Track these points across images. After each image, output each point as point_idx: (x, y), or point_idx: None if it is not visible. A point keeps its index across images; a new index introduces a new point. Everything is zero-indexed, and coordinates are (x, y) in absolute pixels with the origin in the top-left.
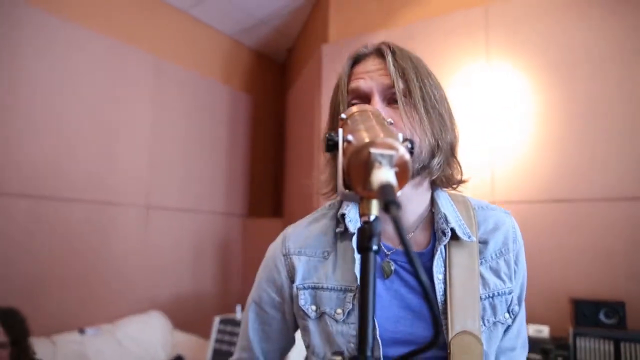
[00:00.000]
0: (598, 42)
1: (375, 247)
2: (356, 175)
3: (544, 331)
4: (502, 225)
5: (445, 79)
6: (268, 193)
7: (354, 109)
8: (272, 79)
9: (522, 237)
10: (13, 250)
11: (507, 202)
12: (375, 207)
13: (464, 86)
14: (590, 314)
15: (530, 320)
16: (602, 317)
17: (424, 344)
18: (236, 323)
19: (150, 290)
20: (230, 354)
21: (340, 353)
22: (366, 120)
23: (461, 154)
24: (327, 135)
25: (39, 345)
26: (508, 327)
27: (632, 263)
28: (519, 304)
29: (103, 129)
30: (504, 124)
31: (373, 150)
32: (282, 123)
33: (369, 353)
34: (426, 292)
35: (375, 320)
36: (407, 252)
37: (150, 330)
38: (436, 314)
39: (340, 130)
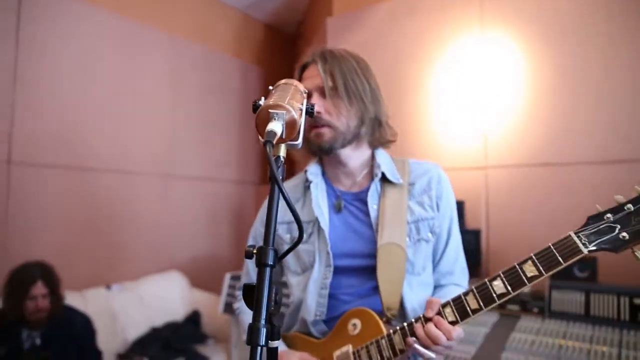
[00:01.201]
0: (587, 9)
1: (280, 177)
2: (263, 128)
3: None
4: (428, 172)
5: (441, 48)
6: None
7: (282, 81)
8: (283, 52)
9: (510, 200)
10: (47, 215)
11: (500, 167)
12: (282, 150)
13: (458, 55)
14: (565, 268)
15: None
16: (576, 271)
17: (362, 254)
18: None
19: (170, 252)
20: None
21: (252, 246)
22: (284, 90)
23: (455, 121)
24: (254, 101)
25: (71, 298)
26: (443, 252)
27: None
28: (449, 234)
29: (125, 103)
30: (496, 92)
31: (270, 109)
32: None
33: (269, 245)
34: (292, 210)
35: (329, 240)
36: (274, 178)
37: (170, 288)
38: (298, 219)
39: (263, 98)
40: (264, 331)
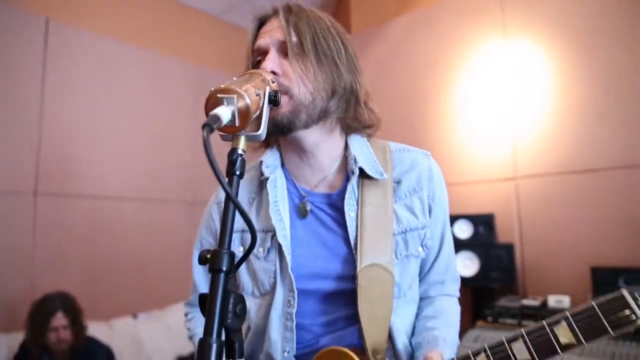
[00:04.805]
0: (612, 8)
1: (238, 173)
2: None
3: (564, 301)
4: (417, 165)
5: (463, 57)
6: None
7: (251, 71)
8: None
9: (544, 211)
10: (75, 244)
11: (531, 176)
12: (242, 142)
13: (482, 63)
14: (609, 281)
15: (551, 291)
16: (621, 284)
17: (336, 276)
18: None
19: None
20: None
21: (208, 250)
22: (247, 77)
23: (482, 131)
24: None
25: (97, 328)
26: (434, 262)
27: None
28: (442, 241)
29: (149, 132)
30: (523, 98)
31: (219, 94)
32: None
33: (225, 248)
34: (243, 216)
35: (290, 257)
36: (212, 166)
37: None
38: (251, 225)
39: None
40: (214, 347)
